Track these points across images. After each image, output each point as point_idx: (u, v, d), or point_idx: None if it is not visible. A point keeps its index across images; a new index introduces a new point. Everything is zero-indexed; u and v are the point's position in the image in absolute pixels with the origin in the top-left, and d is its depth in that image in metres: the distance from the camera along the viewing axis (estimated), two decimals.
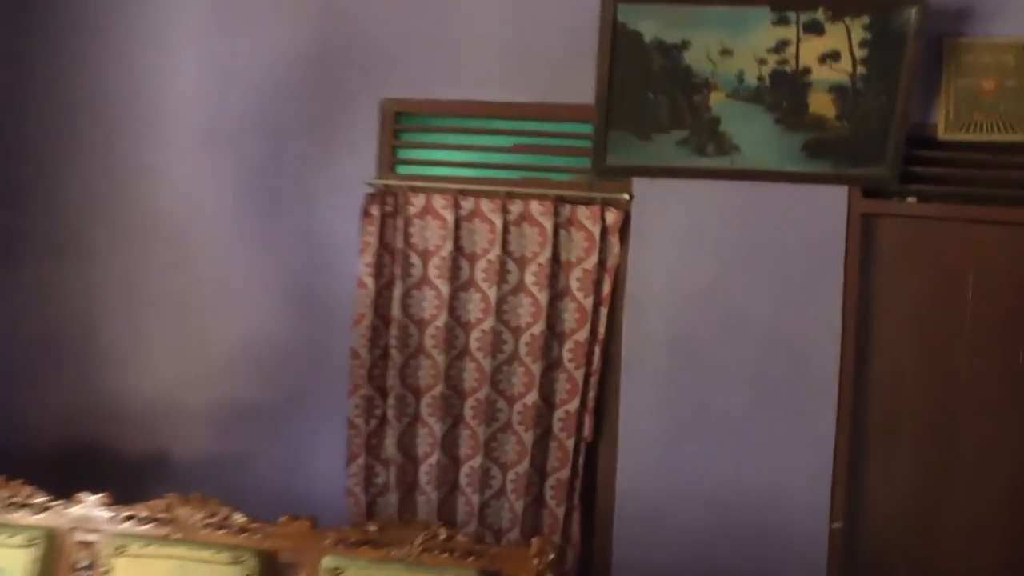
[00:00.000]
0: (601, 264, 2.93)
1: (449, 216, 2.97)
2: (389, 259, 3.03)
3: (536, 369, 2.93)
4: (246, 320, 3.19)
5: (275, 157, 3.15)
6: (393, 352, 3.01)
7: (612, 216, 2.92)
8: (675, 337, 2.93)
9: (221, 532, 2.16)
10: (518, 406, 2.98)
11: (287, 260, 3.16)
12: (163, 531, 2.15)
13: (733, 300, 2.89)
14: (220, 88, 3.18)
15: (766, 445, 2.87)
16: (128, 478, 3.16)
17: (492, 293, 2.95)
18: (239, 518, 2.21)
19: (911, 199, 2.86)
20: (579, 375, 2.94)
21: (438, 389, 2.99)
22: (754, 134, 2.79)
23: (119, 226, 3.24)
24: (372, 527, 2.20)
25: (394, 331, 3.00)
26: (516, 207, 2.96)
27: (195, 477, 3.12)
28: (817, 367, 2.83)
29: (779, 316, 2.86)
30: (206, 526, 2.17)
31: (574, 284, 2.94)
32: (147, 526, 2.17)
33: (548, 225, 2.92)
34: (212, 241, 3.20)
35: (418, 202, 3.01)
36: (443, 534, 2.19)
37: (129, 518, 2.19)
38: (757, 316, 2.88)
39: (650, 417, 2.94)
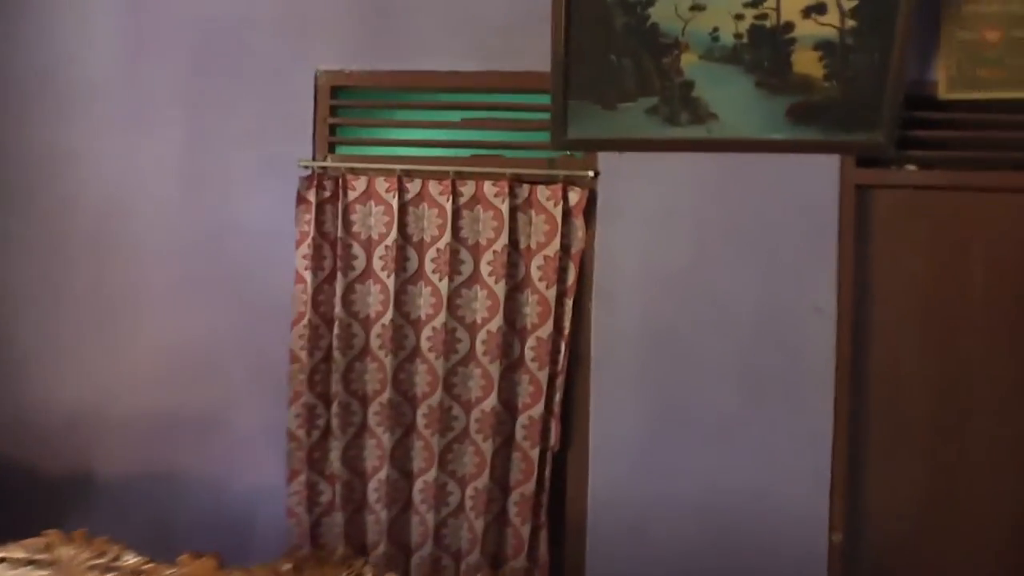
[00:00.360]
0: (564, 250, 2.61)
1: (393, 201, 2.65)
2: (329, 250, 2.70)
3: (494, 370, 2.61)
4: (174, 321, 2.86)
5: (201, 139, 2.83)
6: (336, 354, 2.69)
7: (575, 196, 2.61)
8: (650, 329, 2.62)
9: (110, 575, 1.83)
10: (475, 412, 2.66)
11: (217, 253, 2.83)
12: (42, 574, 1.81)
13: (714, 285, 2.58)
14: (139, 63, 2.86)
15: (756, 445, 2.56)
16: (46, 498, 2.92)
17: (443, 286, 2.63)
18: (131, 559, 1.88)
19: (910, 167, 2.55)
20: (543, 376, 2.62)
21: (386, 395, 2.66)
22: (732, 99, 2.48)
23: (33, 216, 2.92)
24: (286, 566, 1.87)
25: (336, 331, 2.68)
26: (467, 189, 2.64)
27: (120, 496, 2.89)
28: (810, 357, 2.52)
29: (766, 301, 2.55)
30: (92, 568, 1.83)
31: (535, 273, 2.62)
32: (23, 569, 1.83)
33: (504, 208, 2.60)
34: (134, 233, 2.87)
35: (359, 186, 2.69)
36: (369, 574, 1.86)
37: (1, 560, 1.85)
38: (741, 302, 2.57)
39: (624, 419, 2.63)
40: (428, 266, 2.66)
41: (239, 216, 2.80)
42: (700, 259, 2.58)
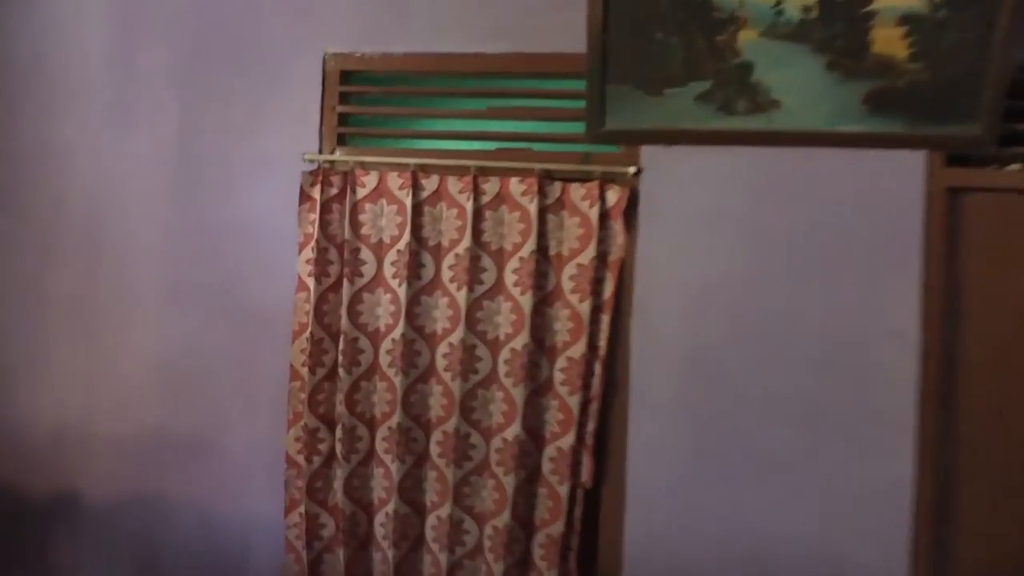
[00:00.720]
0: (601, 258, 2.27)
1: (407, 199, 2.34)
2: (335, 254, 2.41)
3: (518, 394, 2.28)
4: (165, 331, 2.60)
5: (197, 131, 2.56)
6: (340, 372, 2.39)
7: (614, 195, 2.27)
8: (698, 351, 2.27)
9: None
10: (496, 441, 2.34)
11: (213, 256, 2.57)
12: None
13: (773, 303, 2.22)
14: (131, 49, 2.60)
15: (820, 493, 2.20)
16: (28, 523, 2.69)
17: (462, 297, 2.31)
18: None
19: (1014, 166, 2.16)
20: (574, 402, 2.28)
21: (395, 419, 2.35)
22: (798, 84, 2.12)
23: (17, 215, 2.68)
24: None
25: (341, 345, 2.38)
26: (491, 186, 2.32)
27: (106, 521, 2.69)
28: (887, 390, 2.14)
29: (834, 323, 2.18)
30: None
31: (567, 284, 2.28)
32: None
33: (532, 208, 2.27)
34: (124, 234, 2.62)
35: (369, 182, 2.38)
36: None
37: None
38: (805, 323, 2.20)
39: (666, 455, 2.29)
40: (445, 274, 2.35)
41: (238, 216, 2.52)
42: (757, 272, 2.23)
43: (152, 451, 2.61)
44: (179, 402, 2.59)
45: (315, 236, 2.38)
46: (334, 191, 2.40)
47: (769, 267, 2.22)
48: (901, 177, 2.14)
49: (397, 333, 2.34)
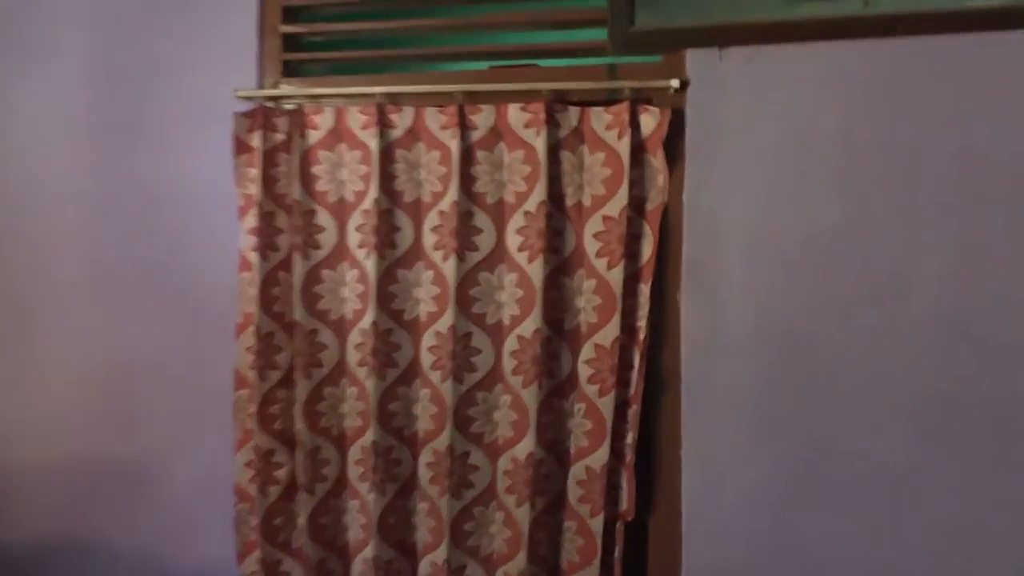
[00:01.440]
0: (636, 207, 1.67)
1: (373, 142, 1.74)
2: (284, 220, 1.82)
3: (531, 397, 1.69)
4: (89, 334, 2.04)
5: (112, 72, 1.98)
6: (297, 376, 1.81)
7: (651, 121, 1.65)
8: (774, 331, 1.65)
9: None
10: (504, 461, 1.75)
11: (144, 234, 2.00)
12: None
13: (883, 262, 1.59)
14: None
15: (944, 519, 1.59)
16: None
17: (451, 269, 1.71)
18: None
19: None
20: (606, 405, 1.68)
21: (370, 435, 1.77)
22: None
23: None
24: None
25: (297, 341, 1.80)
26: (483, 118, 1.72)
27: (26, 572, 2.04)
28: None
29: (964, 290, 1.56)
30: None
31: (590, 245, 1.68)
32: None
33: (539, 145, 1.67)
34: (29, 211, 2.05)
35: (323, 122, 1.80)
36: None
37: None
38: (922, 291, 1.57)
39: (734, 473, 1.68)
40: (427, 239, 1.76)
41: (172, 178, 1.95)
42: (857, 219, 1.60)
43: (79, 485, 2.06)
44: (110, 422, 2.03)
45: (257, 198, 1.80)
46: (279, 137, 1.81)
47: (874, 212, 1.59)
48: None
49: (368, 321, 1.75)
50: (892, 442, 1.59)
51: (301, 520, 1.84)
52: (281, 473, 1.85)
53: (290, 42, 1.88)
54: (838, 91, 1.59)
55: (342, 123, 1.79)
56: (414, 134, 1.75)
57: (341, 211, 1.80)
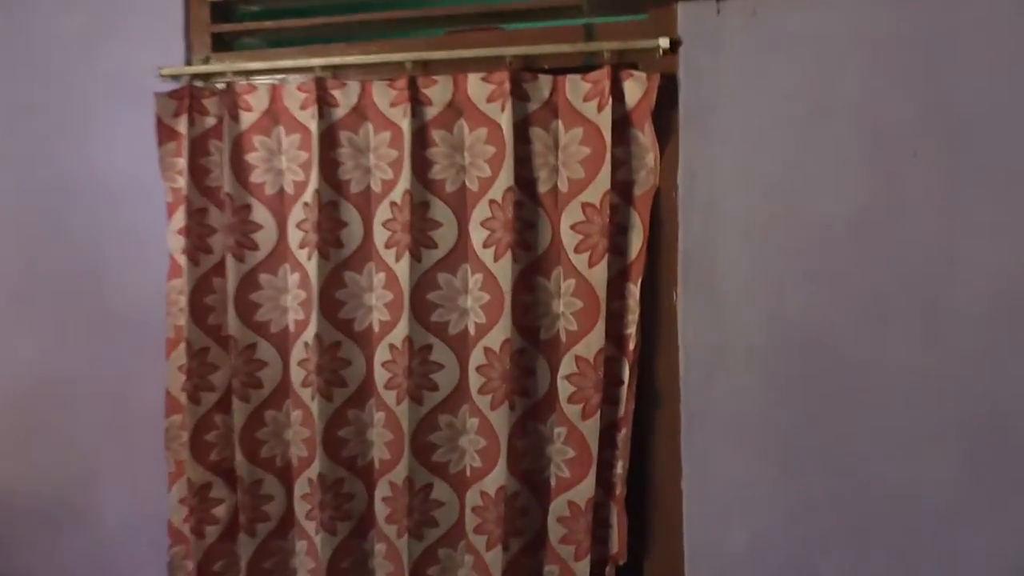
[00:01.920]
0: (622, 192, 1.41)
1: (313, 123, 1.49)
2: (216, 217, 1.57)
3: (500, 420, 1.43)
4: (3, 352, 1.79)
5: (26, 47, 1.74)
6: (234, 399, 1.55)
7: (637, 88, 1.39)
8: (789, 335, 1.38)
9: None
10: (473, 495, 1.49)
11: (61, 236, 1.75)
12: None
13: (914, 253, 1.32)
14: None
15: (999, 560, 1.30)
16: None
17: (404, 270, 1.45)
18: None
19: None
20: (590, 428, 1.41)
21: (316, 466, 1.51)
22: None
23: None
24: None
25: (232, 356, 1.55)
26: (439, 91, 1.46)
27: None
28: None
29: (1018, 283, 1.27)
30: None
31: (569, 238, 1.42)
32: None
33: (504, 121, 1.41)
34: None
35: (257, 102, 1.55)
36: None
37: None
38: (970, 287, 1.30)
39: (743, 506, 1.40)
40: (378, 235, 1.50)
41: (91, 171, 1.71)
42: (884, 204, 1.33)
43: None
44: (27, 453, 1.78)
45: (183, 191, 1.55)
46: (210, 122, 1.56)
47: (908, 194, 1.32)
48: None
49: (310, 333, 1.50)
50: (936, 471, 1.32)
51: (243, 564, 1.59)
52: (220, 511, 1.60)
53: (220, 12, 1.63)
54: (862, 49, 1.32)
55: (278, 103, 1.54)
56: (360, 112, 1.50)
57: (280, 205, 1.55)
